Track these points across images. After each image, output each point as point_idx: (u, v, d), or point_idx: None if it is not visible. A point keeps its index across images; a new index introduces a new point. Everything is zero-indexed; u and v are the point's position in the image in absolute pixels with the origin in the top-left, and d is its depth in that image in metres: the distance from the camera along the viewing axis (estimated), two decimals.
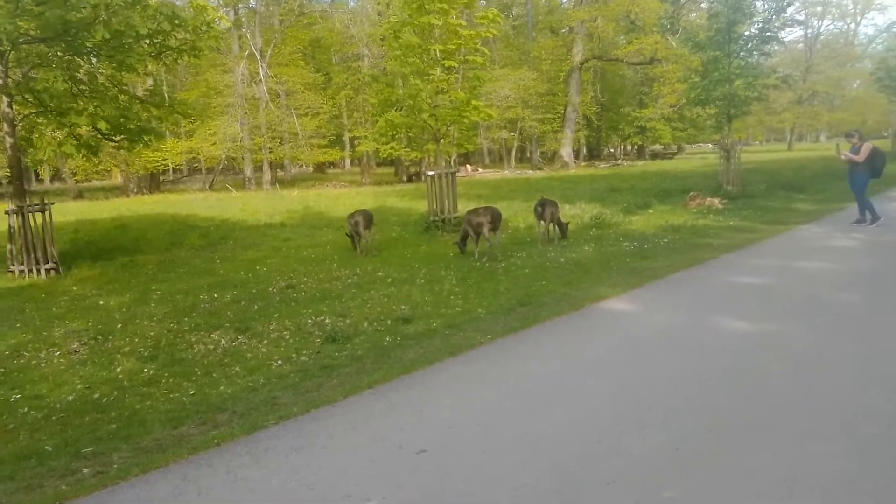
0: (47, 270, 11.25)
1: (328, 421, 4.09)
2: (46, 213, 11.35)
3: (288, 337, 6.68)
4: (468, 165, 42.88)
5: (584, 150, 57.32)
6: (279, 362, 5.75)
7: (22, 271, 11.21)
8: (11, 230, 11.21)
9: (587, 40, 41.73)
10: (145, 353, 6.37)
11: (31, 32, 9.85)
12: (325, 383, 4.99)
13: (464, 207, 18.44)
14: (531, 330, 6.07)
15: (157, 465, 3.61)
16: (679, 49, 30.03)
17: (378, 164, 49.76)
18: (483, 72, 14.23)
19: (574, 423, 3.89)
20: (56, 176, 43.38)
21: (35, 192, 38.74)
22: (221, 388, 5.18)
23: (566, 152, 41.45)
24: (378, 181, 37.93)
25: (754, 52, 16.92)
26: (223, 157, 35.05)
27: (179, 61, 12.80)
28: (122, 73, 12.25)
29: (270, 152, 33.05)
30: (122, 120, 11.61)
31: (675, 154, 57.28)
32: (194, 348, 6.48)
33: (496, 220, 10.40)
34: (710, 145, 57.88)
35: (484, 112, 14.66)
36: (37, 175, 39.11)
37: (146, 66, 12.99)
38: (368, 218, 12.02)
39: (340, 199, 25.05)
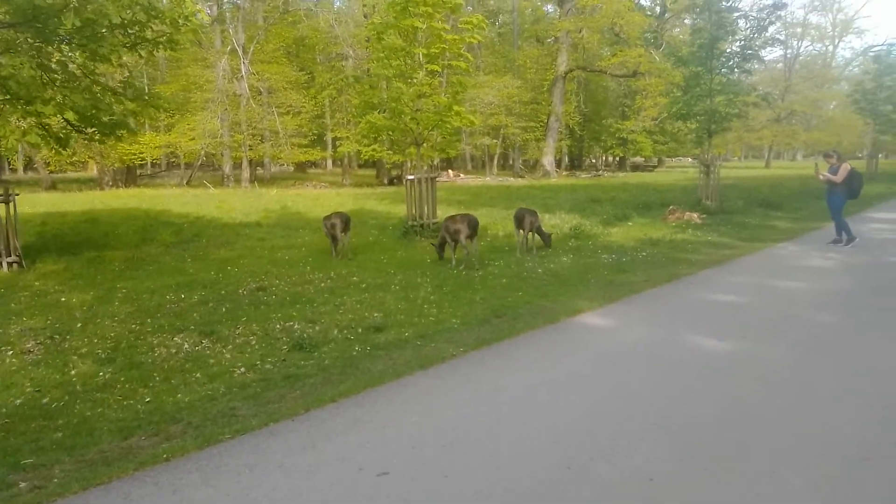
0: (9, 264, 10.84)
1: (287, 437, 3.88)
2: (10, 204, 10.94)
3: (254, 342, 6.45)
4: (450, 171, 42.78)
5: (567, 160, 57.61)
6: (242, 370, 5.52)
7: None
8: None
9: (572, 51, 41.94)
10: (103, 356, 6.09)
11: (0, 17, 9.49)
12: (288, 394, 4.78)
13: (444, 213, 18.29)
14: (505, 343, 5.92)
15: (100, 482, 3.38)
16: (662, 63, 30.29)
17: (360, 166, 49.46)
18: (466, 77, 14.08)
19: (543, 446, 3.73)
20: (29, 166, 42.38)
21: (6, 182, 37.89)
22: (179, 395, 4.94)
23: (548, 161, 41.54)
24: (359, 183, 37.66)
25: (735, 69, 17.03)
26: (202, 152, 34.49)
27: (156, 53, 12.46)
28: (96, 62, 11.90)
29: (250, 150, 32.58)
30: (93, 111, 11.23)
31: (655, 167, 57.78)
32: (155, 352, 6.22)
33: (473, 227, 10.26)
34: (690, 159, 58.52)
35: (466, 118, 14.51)
36: (9, 164, 38.12)
37: (120, 57, 12.65)
38: (345, 220, 11.81)
39: (319, 199, 24.76)
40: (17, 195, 11.32)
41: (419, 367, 5.25)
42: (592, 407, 4.32)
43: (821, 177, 12.05)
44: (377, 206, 21.66)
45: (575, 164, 57.65)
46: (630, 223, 15.93)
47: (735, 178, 32.05)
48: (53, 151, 13.60)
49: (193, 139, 30.99)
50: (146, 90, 19.41)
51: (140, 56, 12.42)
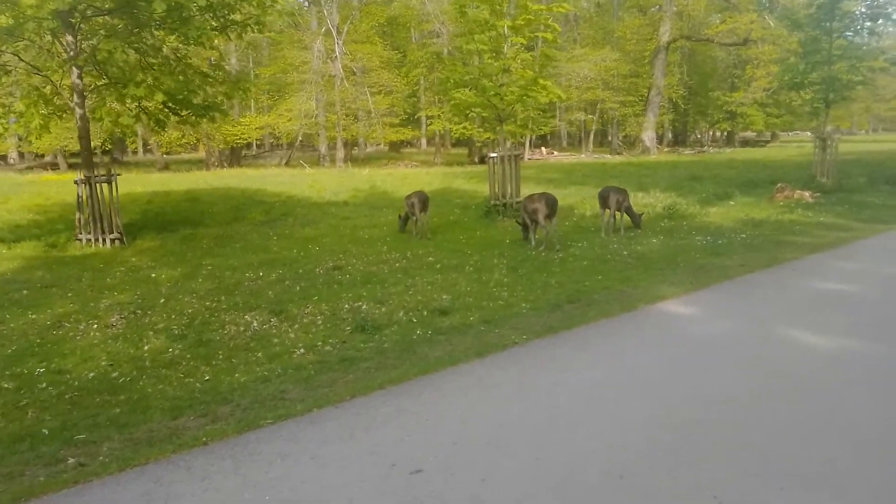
0: (112, 240, 11.54)
1: (326, 425, 3.74)
2: (113, 183, 11.61)
3: (320, 322, 6.42)
4: (543, 148, 41.79)
5: (670, 136, 54.77)
6: (302, 351, 5.47)
7: (89, 240, 11.54)
8: (80, 200, 11.55)
9: (676, 19, 39.47)
10: (177, 332, 6.26)
11: (97, 4, 9.97)
12: (340, 379, 4.66)
13: (532, 192, 17.82)
14: (573, 332, 5.52)
15: (137, 462, 3.38)
16: (777, 29, 27.81)
17: (453, 145, 49.32)
18: (552, 50, 13.43)
19: (596, 451, 3.36)
20: (146, 148, 45.52)
21: (125, 163, 40.91)
22: (237, 375, 4.95)
23: (648, 137, 39.57)
24: (450, 162, 37.54)
25: (862, 31, 15.26)
26: (299, 133, 35.61)
27: (245, 36, 12.77)
28: (189, 45, 12.35)
29: (344, 130, 33.22)
30: (185, 93, 11.67)
31: (767, 142, 53.78)
32: (225, 329, 6.32)
33: (552, 206, 9.77)
34: (809, 133, 53.97)
35: (553, 92, 13.91)
36: (127, 146, 41.11)
37: (211, 40, 13.07)
38: (424, 199, 11.65)
39: (408, 179, 24.81)
40: (119, 175, 11.99)
41: (477, 354, 4.97)
42: (658, 410, 3.87)
43: None
44: (464, 184, 21.40)
45: (678, 140, 54.72)
46: (732, 202, 14.76)
47: (859, 153, 29.12)
48: (154, 133, 14.32)
49: (290, 120, 31.98)
50: (232, 73, 20.07)
51: (229, 38, 12.77)
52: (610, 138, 47.92)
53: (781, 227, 11.16)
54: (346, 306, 7.02)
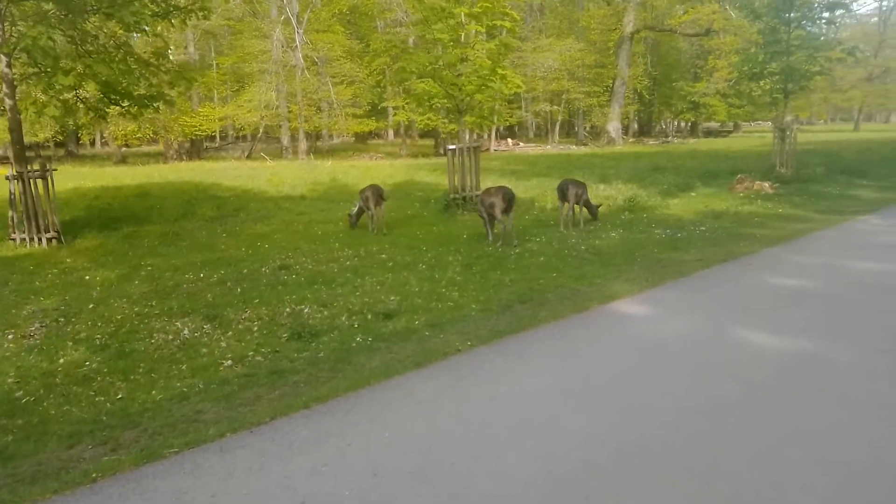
0: (48, 240, 10.89)
1: (236, 453, 3.37)
2: (48, 179, 10.94)
3: (256, 329, 6.02)
4: (509, 140, 41.59)
5: (636, 126, 55.02)
6: (229, 362, 5.08)
7: (23, 240, 10.88)
8: (12, 197, 10.87)
9: (640, 10, 39.49)
10: (98, 342, 5.81)
11: None
12: (265, 395, 4.29)
13: (493, 185, 17.53)
14: (519, 337, 5.22)
15: None
16: (738, 20, 27.93)
17: (421, 136, 48.76)
18: (511, 38, 13.12)
19: (529, 479, 3.06)
20: (103, 141, 44.00)
21: (81, 156, 39.46)
22: (153, 392, 4.54)
23: (613, 127, 39.60)
24: (416, 153, 37.05)
25: (818, 21, 15.24)
26: (262, 125, 34.73)
27: (188, 22, 12.17)
28: (130, 32, 11.73)
29: (306, 121, 32.48)
30: (123, 84, 11.06)
31: (730, 132, 54.44)
32: (153, 338, 5.88)
33: (509, 201, 9.48)
34: (770, 123, 54.77)
35: (512, 82, 13.61)
36: (78, 139, 39.66)
37: (155, 27, 12.46)
38: (378, 193, 11.27)
39: (371, 171, 24.31)
40: (55, 170, 11.30)
41: (415, 364, 4.64)
42: (600, 425, 3.59)
43: None
44: (427, 177, 21.00)
45: (644, 131, 55.00)
46: (693, 194, 14.69)
47: (817, 143, 29.52)
48: (93, 124, 13.62)
49: (250, 111, 31.13)
50: (191, 61, 19.24)
51: (171, 25, 12.16)
52: (576, 129, 47.93)
53: (740, 219, 11.06)
54: (287, 310, 6.63)
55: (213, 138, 51.47)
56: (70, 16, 10.30)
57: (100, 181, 21.17)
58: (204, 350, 5.48)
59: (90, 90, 9.84)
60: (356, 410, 3.84)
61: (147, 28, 11.78)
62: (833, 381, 4.12)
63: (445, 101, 13.30)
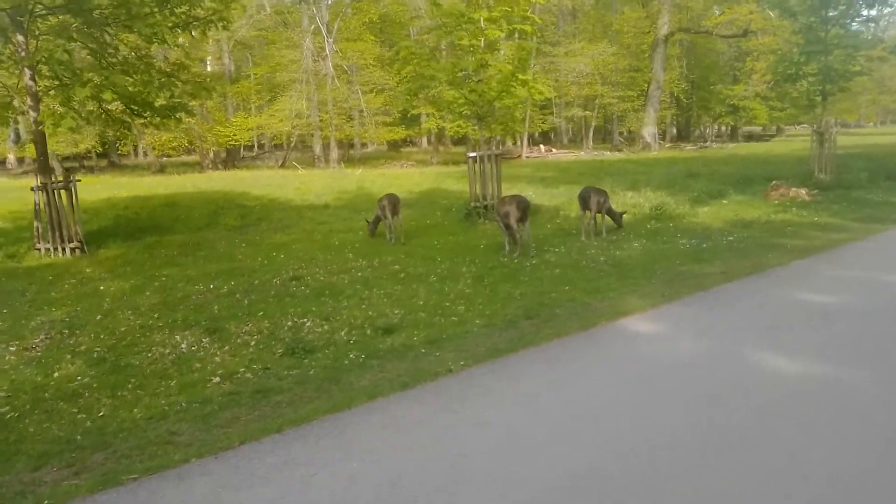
0: (72, 249, 11.07)
1: (194, 482, 3.20)
2: (72, 189, 11.11)
3: (253, 344, 5.90)
4: (542, 146, 41.12)
5: (674, 131, 53.89)
6: (218, 379, 4.95)
7: (47, 249, 11.07)
8: (37, 207, 11.07)
9: (675, 11, 38.66)
10: (97, 355, 5.77)
11: (45, 2, 9.48)
12: (244, 416, 4.13)
13: (532, 192, 17.22)
14: (517, 356, 4.96)
15: None
16: (777, 20, 27.02)
17: (454, 143, 48.62)
18: (530, 42, 12.84)
19: None
20: (142, 151, 45.15)
21: (121, 167, 40.52)
22: (135, 410, 4.43)
23: (648, 132, 38.77)
24: (448, 161, 36.90)
25: (856, 19, 14.53)
26: (295, 134, 35.09)
27: (207, 32, 12.28)
28: (151, 44, 11.87)
29: (337, 130, 32.68)
30: (145, 94, 11.18)
31: (773, 136, 52.85)
32: (150, 352, 5.81)
33: (523, 209, 9.20)
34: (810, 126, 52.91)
35: (535, 88, 13.32)
36: (118, 149, 40.74)
37: (175, 38, 12.60)
38: (395, 202, 11.14)
39: (399, 179, 24.29)
40: (79, 181, 11.49)
41: (404, 385, 4.43)
42: (580, 463, 3.29)
43: None
44: (454, 185, 20.80)
45: (682, 136, 53.82)
46: (725, 201, 14.14)
47: (864, 147, 28.33)
48: (120, 134, 13.86)
49: (282, 121, 31.47)
50: (226, 71, 19.42)
51: (192, 36, 12.29)
52: (612, 135, 47.16)
53: (772, 229, 10.55)
54: (289, 323, 6.51)
55: (250, 147, 52.39)
56: (89, 29, 10.46)
57: (134, 191, 21.58)
58: (197, 365, 5.37)
59: (108, 100, 9.93)
60: (330, 436, 3.64)
61: (167, 39, 11.89)
62: (850, 415, 3.74)
63: (465, 107, 13.08)
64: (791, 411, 3.80)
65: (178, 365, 5.41)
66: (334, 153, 34.00)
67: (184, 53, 13.17)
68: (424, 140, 56.24)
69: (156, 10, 10.00)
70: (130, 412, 4.40)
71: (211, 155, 36.07)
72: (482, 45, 12.64)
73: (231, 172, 32.30)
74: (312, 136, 35.01)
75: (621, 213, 11.12)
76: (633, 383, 4.32)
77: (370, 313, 6.71)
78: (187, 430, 3.97)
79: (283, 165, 35.98)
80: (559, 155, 37.41)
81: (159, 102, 11.80)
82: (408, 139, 54.10)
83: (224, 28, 11.92)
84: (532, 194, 16.34)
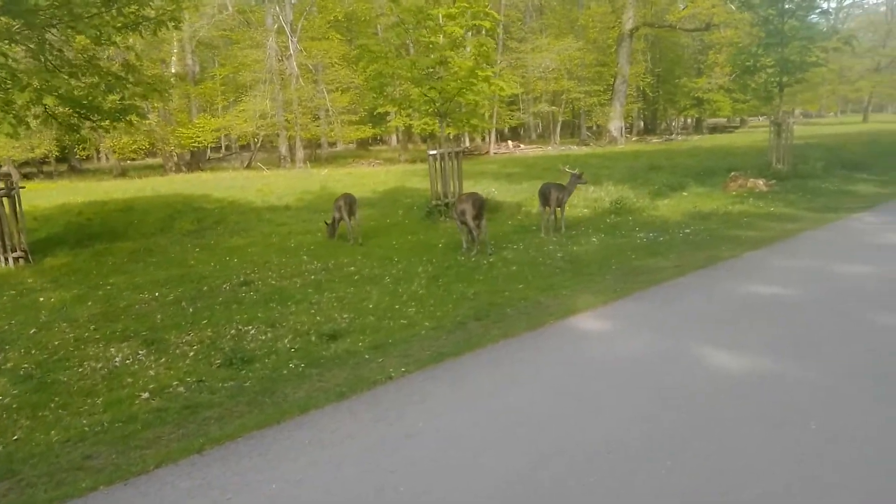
0: (15, 259, 10.61)
1: None
2: (15, 197, 10.67)
3: (192, 354, 5.66)
4: (510, 142, 41.12)
5: (641, 124, 54.35)
6: (147, 395, 4.71)
7: None
8: None
9: (639, 6, 38.90)
10: (23, 372, 5.47)
11: None
12: (167, 435, 3.92)
13: (496, 188, 17.11)
14: (459, 360, 4.82)
15: None
16: (738, 12, 27.31)
17: (423, 141, 48.31)
18: (488, 39, 12.72)
19: None
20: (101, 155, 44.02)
21: (82, 171, 39.48)
22: (53, 432, 4.17)
23: (615, 126, 38.98)
24: (415, 158, 36.64)
25: (814, 11, 14.68)
26: (260, 134, 34.53)
27: (158, 33, 11.88)
28: (100, 45, 11.45)
29: (302, 130, 32.22)
30: (90, 98, 10.78)
31: (736, 128, 53.61)
32: (82, 367, 5.53)
33: (479, 207, 9.05)
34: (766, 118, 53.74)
35: (495, 84, 13.20)
36: (76, 154, 39.65)
37: (126, 39, 12.19)
38: (351, 203, 10.93)
39: (365, 178, 24.03)
40: (23, 188, 11.05)
41: (340, 396, 4.26)
42: (512, 472, 3.16)
43: None
44: (419, 183, 20.60)
45: (649, 129, 54.32)
46: (685, 193, 14.20)
47: (822, 137, 28.84)
48: (67, 138, 13.36)
49: (246, 121, 30.93)
50: (190, 72, 18.88)
51: (142, 37, 11.90)
52: (580, 129, 47.37)
53: (729, 220, 10.58)
54: (233, 332, 6.28)
55: (217, 149, 51.47)
56: (31, 30, 10.03)
57: (90, 196, 20.95)
58: (128, 380, 5.12)
59: (51, 105, 9.54)
60: (252, 455, 3.45)
61: (117, 41, 11.48)
62: (791, 411, 3.67)
63: (426, 105, 12.90)
64: (733, 411, 3.71)
65: (109, 380, 5.16)
66: (300, 153, 33.54)
67: (134, 55, 12.68)
68: (394, 138, 55.92)
69: (102, 10, 9.61)
70: (47, 434, 4.14)
71: (174, 157, 35.30)
72: (441, 41, 12.47)
73: (194, 175, 31.63)
74: (278, 136, 34.48)
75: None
76: (574, 384, 4.21)
77: (318, 318, 6.51)
78: (104, 453, 3.74)
79: (248, 166, 35.38)
80: (527, 150, 37.42)
81: (108, 105, 11.39)
82: (378, 137, 53.72)
83: (176, 28, 11.56)
84: (494, 191, 16.29)
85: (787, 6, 14.62)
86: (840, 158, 17.55)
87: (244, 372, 5.06)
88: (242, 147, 51.15)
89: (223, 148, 51.31)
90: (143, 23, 11.31)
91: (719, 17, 34.29)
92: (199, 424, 4.06)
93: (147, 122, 30.53)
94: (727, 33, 33.98)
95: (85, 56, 11.64)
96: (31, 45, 10.25)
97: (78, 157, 38.96)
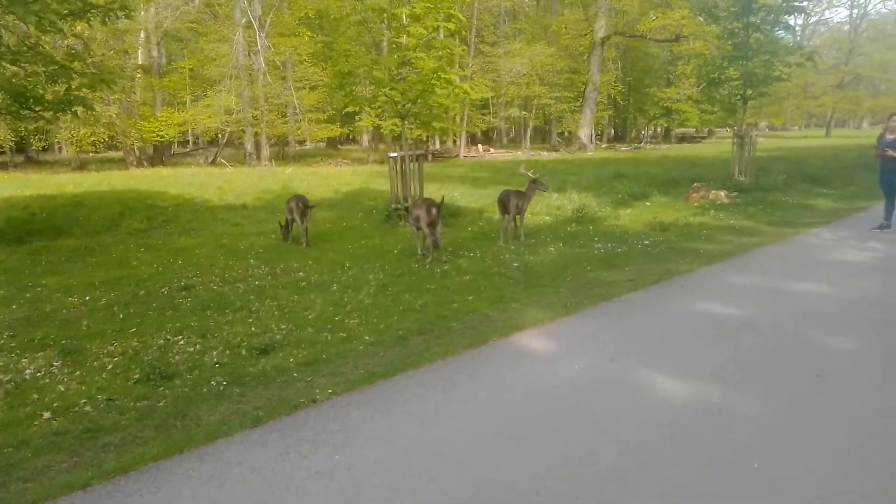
0: None
1: None
2: None
3: (110, 367, 5.26)
4: (479, 146, 41.01)
5: (611, 132, 54.78)
6: (49, 414, 4.31)
7: None
8: None
9: (611, 15, 39.13)
10: None
11: None
12: (55, 466, 3.54)
13: (459, 193, 16.86)
14: (393, 380, 4.52)
15: None
16: (705, 24, 27.56)
17: (394, 141, 47.88)
18: (451, 41, 12.47)
19: None
20: (58, 147, 42.70)
21: (40, 162, 38.19)
22: None
23: (584, 133, 39.15)
24: (384, 159, 36.18)
25: (778, 25, 14.74)
26: (227, 131, 33.78)
27: (108, 22, 11.37)
28: (44, 33, 10.90)
29: (268, 127, 31.59)
30: (30, 87, 10.25)
31: (704, 138, 54.39)
32: None
33: (433, 213, 8.77)
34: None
35: (459, 87, 12.95)
36: (32, 145, 38.32)
37: (73, 27, 11.68)
38: (303, 204, 10.56)
39: (330, 178, 23.62)
40: None
41: (255, 421, 3.93)
42: None
43: (879, 153, 9.92)
44: (384, 185, 20.23)
45: (619, 137, 54.79)
46: (648, 203, 14.13)
47: (786, 150, 29.33)
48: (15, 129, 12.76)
49: (210, 116, 30.19)
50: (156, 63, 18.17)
51: (90, 25, 11.40)
52: (550, 135, 47.50)
53: (688, 232, 10.49)
54: (161, 342, 5.89)
55: (184, 143, 50.31)
56: None
57: (41, 189, 20.16)
58: (34, 396, 4.70)
59: None
60: (142, 492, 3.10)
61: (63, 28, 10.95)
62: (734, 448, 3.46)
63: (386, 106, 12.59)
64: (672, 447, 3.48)
65: (14, 396, 4.73)
66: (265, 150, 32.90)
67: (82, 43, 12.15)
68: (364, 138, 55.36)
69: None
70: None
71: (136, 151, 34.32)
72: (405, 41, 12.16)
73: (156, 170, 30.75)
74: (244, 132, 33.77)
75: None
76: (508, 414, 3.94)
77: (253, 329, 6.16)
78: None
79: (212, 163, 34.58)
80: (496, 155, 37.33)
81: (50, 95, 10.85)
82: (349, 136, 53.14)
83: (127, 17, 11.08)
84: (457, 195, 16.06)
85: (752, 20, 14.66)
86: (802, 172, 17.73)
87: (161, 389, 4.69)
88: (210, 142, 50.15)
89: (191, 143, 50.24)
90: (91, 10, 10.81)
91: (689, 29, 34.65)
92: (97, 452, 3.69)
93: (106, 113, 29.69)
94: (696, 45, 34.33)
95: (27, 43, 11.07)
96: None
97: (34, 147, 37.56)
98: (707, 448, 3.45)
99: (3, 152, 37.12)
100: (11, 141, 32.42)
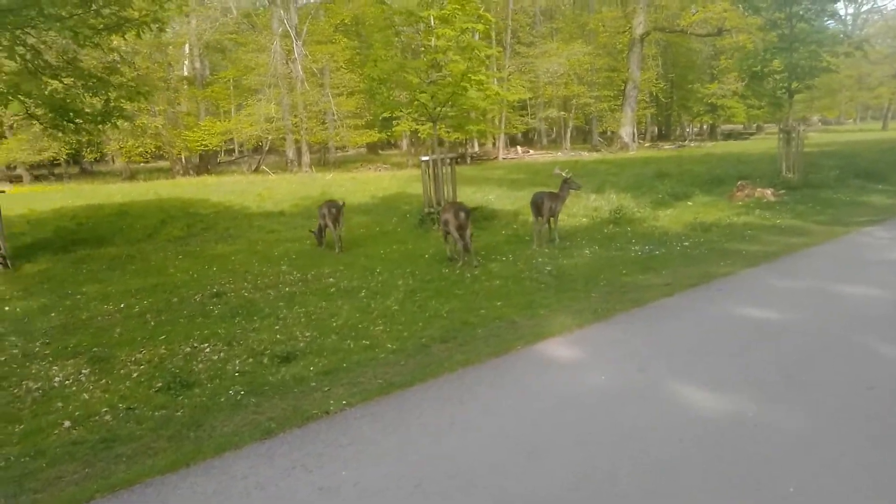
0: None
1: None
2: None
3: (135, 375, 5.29)
4: (519, 147, 40.66)
5: (655, 130, 53.62)
6: (69, 423, 4.33)
7: None
8: None
9: (650, 11, 38.29)
10: None
11: None
12: (66, 477, 3.54)
13: (498, 195, 16.69)
14: (412, 391, 4.39)
15: None
16: (746, 15, 26.67)
17: (432, 144, 47.90)
18: (479, 42, 12.31)
19: None
20: (106, 158, 44.12)
21: (92, 173, 39.59)
22: None
23: (626, 132, 38.36)
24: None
25: (825, 14, 14.07)
26: (268, 138, 34.37)
27: (142, 35, 11.60)
28: (82, 47, 11.20)
29: (308, 134, 32.00)
30: (70, 101, 10.53)
31: (752, 134, 52.64)
32: (19, 387, 5.19)
33: (462, 217, 8.61)
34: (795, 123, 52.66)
35: (490, 89, 12.77)
36: (83, 157, 39.73)
37: (109, 41, 11.96)
38: (337, 210, 10.55)
39: (368, 183, 23.69)
40: (3, 192, 10.82)
41: (266, 433, 3.85)
42: None
43: None
44: (421, 189, 20.25)
45: (663, 135, 53.56)
46: (690, 203, 13.64)
47: (839, 144, 28.06)
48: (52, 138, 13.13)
49: (251, 125, 30.76)
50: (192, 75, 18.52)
51: (124, 39, 11.65)
52: (591, 135, 46.75)
53: (731, 232, 10.05)
54: (187, 349, 5.91)
55: (230, 152, 51.46)
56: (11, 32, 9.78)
57: (93, 199, 20.83)
58: (59, 404, 4.75)
59: (13, 110, 9.27)
60: None
61: (100, 43, 11.23)
62: (768, 469, 3.19)
63: (415, 110, 12.52)
64: (700, 466, 3.24)
65: (39, 404, 4.80)
66: (305, 157, 33.33)
67: (119, 57, 12.44)
68: (404, 142, 55.59)
69: (78, 11, 9.32)
70: None
71: (182, 161, 35.26)
72: (433, 44, 12.09)
73: (200, 178, 31.50)
74: (285, 139, 34.30)
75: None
76: (529, 427, 3.75)
77: (278, 336, 6.13)
78: None
79: (255, 170, 35.23)
80: (536, 156, 36.93)
81: (90, 108, 11.14)
82: (389, 141, 53.44)
83: (160, 31, 11.28)
84: (493, 198, 15.89)
85: (795, 9, 14.04)
86: (855, 167, 16.87)
87: (181, 398, 4.67)
88: (254, 150, 51.14)
89: (236, 151, 51.32)
90: (125, 24, 11.05)
91: (731, 22, 33.54)
92: (109, 463, 3.67)
93: (153, 124, 30.62)
94: (740, 38, 33.22)
95: (66, 58, 11.39)
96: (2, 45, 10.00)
97: (87, 159, 38.98)
98: (739, 467, 3.19)
99: (59, 164, 38.69)
100: (66, 153, 33.68)
